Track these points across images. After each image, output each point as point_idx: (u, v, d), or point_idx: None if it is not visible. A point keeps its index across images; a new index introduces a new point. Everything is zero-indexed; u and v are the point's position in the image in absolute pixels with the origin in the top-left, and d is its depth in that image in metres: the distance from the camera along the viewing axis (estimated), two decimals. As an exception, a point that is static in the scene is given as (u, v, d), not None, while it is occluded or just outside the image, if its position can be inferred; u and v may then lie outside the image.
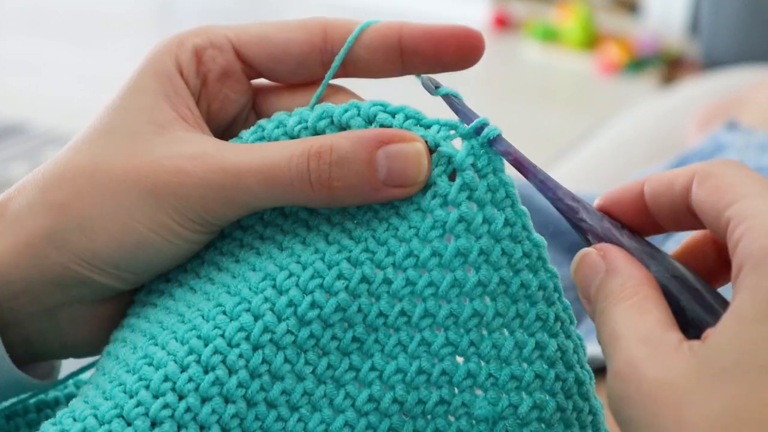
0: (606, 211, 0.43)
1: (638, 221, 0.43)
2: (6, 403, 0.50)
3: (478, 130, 0.44)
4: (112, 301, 0.47)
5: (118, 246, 0.43)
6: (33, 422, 0.51)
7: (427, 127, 0.44)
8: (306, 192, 0.43)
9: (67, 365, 0.52)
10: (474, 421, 0.43)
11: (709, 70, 2.27)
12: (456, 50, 0.46)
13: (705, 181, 0.40)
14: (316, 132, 0.45)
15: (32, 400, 0.51)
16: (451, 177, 0.44)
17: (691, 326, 0.39)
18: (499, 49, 3.33)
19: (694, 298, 0.40)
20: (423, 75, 0.46)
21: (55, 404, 0.52)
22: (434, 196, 0.43)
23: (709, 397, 0.35)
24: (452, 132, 0.44)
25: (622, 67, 3.14)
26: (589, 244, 0.43)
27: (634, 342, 0.38)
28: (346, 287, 0.43)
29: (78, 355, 0.49)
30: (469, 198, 0.43)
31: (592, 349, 0.72)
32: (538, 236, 0.44)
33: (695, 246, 0.43)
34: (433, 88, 0.45)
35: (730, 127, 1.18)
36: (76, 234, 0.43)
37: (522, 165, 0.44)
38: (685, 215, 0.41)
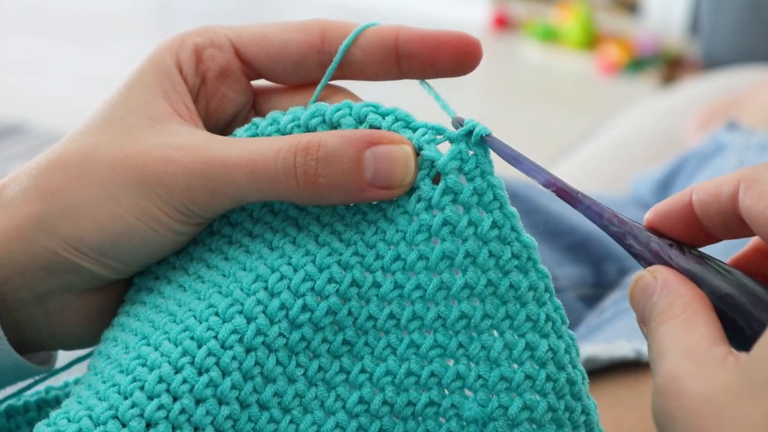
0: (656, 227, 0.42)
1: (690, 233, 0.42)
2: (5, 394, 0.50)
3: (470, 133, 0.44)
4: (101, 291, 0.48)
5: (104, 233, 0.44)
6: (33, 420, 0.51)
7: (416, 130, 0.44)
8: (291, 187, 0.43)
9: (63, 360, 0.52)
10: (464, 423, 0.44)
11: (709, 70, 2.28)
12: (452, 57, 0.46)
13: (750, 187, 0.39)
14: (308, 130, 0.45)
15: (33, 399, 0.51)
16: (437, 180, 0.44)
17: (751, 340, 0.38)
18: (499, 49, 3.33)
19: (752, 311, 0.39)
20: (453, 117, 0.45)
21: (56, 403, 0.52)
22: (419, 200, 0.44)
23: (749, 411, 0.35)
24: (439, 136, 0.44)
25: (622, 67, 3.14)
26: (644, 266, 0.42)
27: (678, 357, 0.37)
28: (337, 291, 0.43)
29: (67, 346, 0.50)
30: (454, 201, 0.44)
31: (592, 348, 0.72)
32: (527, 237, 0.44)
33: (758, 250, 0.43)
34: (458, 126, 0.44)
35: (730, 127, 1.18)
36: (65, 220, 0.44)
37: (566, 194, 0.44)
38: (735, 223, 0.40)
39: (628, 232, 0.42)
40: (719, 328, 0.38)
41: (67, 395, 0.52)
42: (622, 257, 0.97)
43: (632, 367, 0.71)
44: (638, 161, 1.36)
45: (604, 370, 0.71)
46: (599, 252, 0.97)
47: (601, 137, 1.55)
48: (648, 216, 0.43)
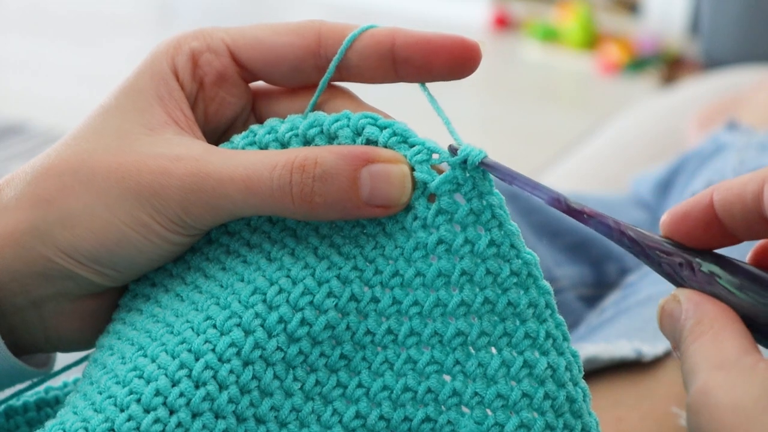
0: (673, 230, 0.42)
1: (709, 234, 0.42)
2: (4, 395, 0.50)
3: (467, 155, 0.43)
4: (97, 297, 0.48)
5: (98, 242, 0.44)
6: (32, 420, 0.51)
7: (413, 146, 0.44)
8: (286, 204, 0.43)
9: (62, 360, 0.52)
10: None
11: (709, 70, 2.27)
12: (448, 61, 0.45)
13: None
14: (306, 140, 0.45)
15: (32, 399, 0.51)
16: (432, 198, 0.44)
17: None
18: (499, 49, 3.33)
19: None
20: (451, 144, 0.44)
21: (55, 403, 0.52)
22: (415, 218, 0.44)
23: None
24: (435, 155, 0.44)
25: (622, 67, 3.14)
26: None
27: (708, 371, 0.37)
28: (336, 305, 0.43)
29: (62, 349, 0.49)
30: (450, 221, 0.43)
31: (592, 348, 0.72)
32: (528, 254, 0.44)
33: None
34: (449, 155, 0.44)
35: (730, 127, 1.18)
36: (60, 228, 0.44)
37: (574, 211, 0.43)
38: (759, 223, 0.40)
39: (639, 252, 0.42)
40: (748, 338, 0.38)
41: (66, 395, 0.52)
42: (622, 257, 0.97)
43: (632, 367, 0.71)
44: (638, 161, 1.36)
45: (604, 370, 0.71)
46: (599, 252, 0.97)
47: (601, 137, 1.55)
48: (664, 219, 0.42)
